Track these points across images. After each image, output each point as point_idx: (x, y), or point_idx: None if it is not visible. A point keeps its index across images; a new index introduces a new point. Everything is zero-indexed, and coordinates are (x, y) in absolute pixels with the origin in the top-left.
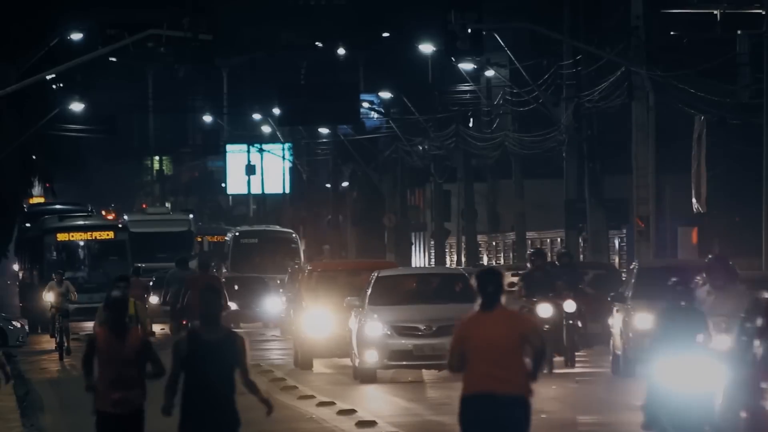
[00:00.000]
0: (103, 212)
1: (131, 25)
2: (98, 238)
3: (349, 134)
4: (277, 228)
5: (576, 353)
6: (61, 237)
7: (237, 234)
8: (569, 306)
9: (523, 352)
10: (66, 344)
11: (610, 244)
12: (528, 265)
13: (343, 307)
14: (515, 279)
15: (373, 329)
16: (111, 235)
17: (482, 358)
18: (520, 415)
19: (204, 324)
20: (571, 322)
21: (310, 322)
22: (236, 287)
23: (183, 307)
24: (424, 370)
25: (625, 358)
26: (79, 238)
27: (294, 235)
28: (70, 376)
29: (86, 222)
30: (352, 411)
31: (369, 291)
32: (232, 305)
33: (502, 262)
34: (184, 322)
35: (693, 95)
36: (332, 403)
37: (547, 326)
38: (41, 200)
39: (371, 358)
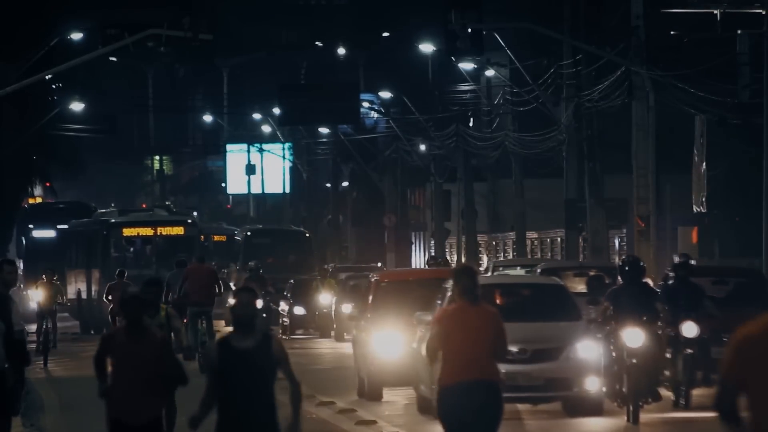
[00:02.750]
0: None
1: (131, 25)
2: (167, 233)
3: (349, 134)
4: (291, 227)
5: (692, 390)
6: (128, 232)
7: (249, 234)
8: (689, 330)
9: (493, 343)
10: (51, 343)
11: (610, 243)
12: (618, 278)
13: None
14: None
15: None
16: (181, 230)
17: (464, 350)
18: (496, 399)
19: (236, 328)
20: (690, 350)
21: (378, 345)
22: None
23: (181, 295)
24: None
25: None
26: (147, 233)
27: (308, 235)
28: (70, 376)
29: (155, 216)
30: (353, 410)
31: (445, 304)
32: (300, 310)
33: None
34: (185, 320)
35: (693, 95)
36: (332, 403)
37: (634, 360)
38: (40, 200)
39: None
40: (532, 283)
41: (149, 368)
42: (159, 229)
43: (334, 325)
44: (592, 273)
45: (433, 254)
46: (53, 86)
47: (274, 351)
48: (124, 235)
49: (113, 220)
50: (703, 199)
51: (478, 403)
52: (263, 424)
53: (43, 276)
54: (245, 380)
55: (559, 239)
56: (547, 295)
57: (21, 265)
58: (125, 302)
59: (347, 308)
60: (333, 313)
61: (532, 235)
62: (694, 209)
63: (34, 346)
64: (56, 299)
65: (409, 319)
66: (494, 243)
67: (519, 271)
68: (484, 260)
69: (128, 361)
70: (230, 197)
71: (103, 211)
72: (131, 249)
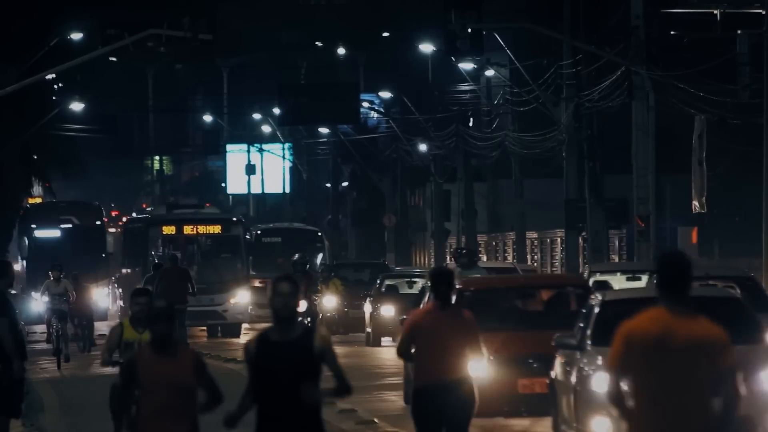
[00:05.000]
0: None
1: (131, 25)
2: (210, 232)
3: (349, 134)
4: (302, 226)
5: None
6: (167, 230)
7: (258, 232)
8: None
9: (467, 344)
10: (65, 350)
11: (610, 243)
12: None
13: (512, 345)
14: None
15: (604, 383)
16: (223, 229)
17: (435, 350)
18: (466, 399)
19: (275, 322)
20: None
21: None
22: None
23: (157, 294)
24: None
25: None
26: (188, 232)
27: (319, 234)
28: (70, 377)
29: (197, 214)
30: (353, 410)
31: (591, 324)
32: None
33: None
34: None
35: (693, 95)
36: (332, 403)
37: None
38: (39, 200)
39: (601, 427)
40: (700, 296)
41: (182, 391)
42: (201, 228)
43: (368, 329)
44: (721, 285)
45: (462, 249)
46: (53, 86)
47: (316, 345)
48: (164, 233)
49: (151, 217)
50: (703, 199)
51: (448, 404)
52: (305, 423)
53: (50, 273)
54: (284, 376)
55: (559, 239)
56: (719, 311)
57: (24, 265)
58: (153, 317)
59: (388, 310)
60: (368, 315)
61: (532, 235)
62: (694, 209)
63: (44, 345)
64: (65, 299)
65: (505, 337)
66: (494, 243)
67: (619, 278)
68: (483, 258)
69: (159, 385)
70: (230, 197)
71: (151, 207)
72: (171, 247)
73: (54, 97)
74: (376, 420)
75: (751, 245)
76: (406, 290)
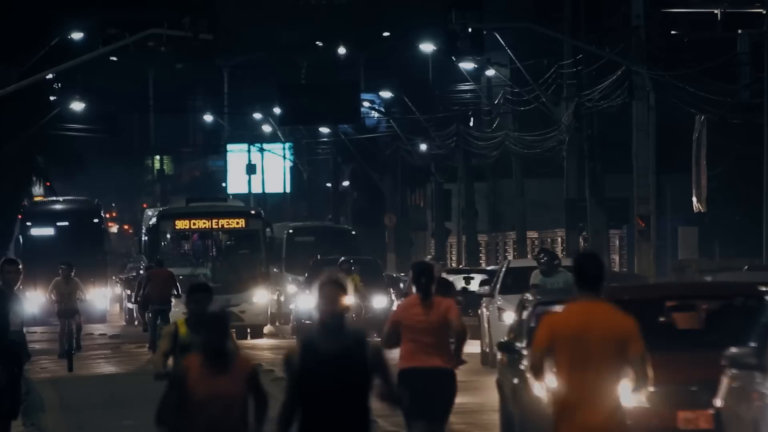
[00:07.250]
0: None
1: (131, 24)
2: (226, 226)
3: (349, 133)
4: (335, 225)
5: None
6: (181, 224)
7: (291, 231)
8: None
9: (449, 333)
10: (75, 346)
11: (610, 243)
12: None
13: (670, 370)
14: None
15: None
16: (242, 223)
17: (417, 339)
18: (448, 385)
19: (323, 330)
20: None
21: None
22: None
23: (143, 296)
24: None
25: None
26: (204, 226)
27: (353, 232)
28: (71, 376)
29: (213, 207)
30: None
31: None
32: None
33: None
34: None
35: (693, 95)
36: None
37: None
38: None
39: None
40: None
41: (234, 408)
42: (216, 221)
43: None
44: None
45: (544, 248)
46: (53, 86)
47: (368, 357)
48: (177, 227)
49: (163, 210)
50: (704, 199)
51: (430, 389)
52: None
53: (60, 271)
54: (331, 390)
55: (559, 239)
56: None
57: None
58: (206, 326)
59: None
60: None
61: (532, 234)
62: (694, 209)
63: (44, 345)
64: (77, 297)
65: (661, 361)
66: (495, 243)
67: None
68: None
69: (208, 402)
70: (231, 197)
71: (175, 200)
72: (185, 242)
73: (54, 97)
74: (377, 420)
75: (751, 245)
76: (462, 286)
